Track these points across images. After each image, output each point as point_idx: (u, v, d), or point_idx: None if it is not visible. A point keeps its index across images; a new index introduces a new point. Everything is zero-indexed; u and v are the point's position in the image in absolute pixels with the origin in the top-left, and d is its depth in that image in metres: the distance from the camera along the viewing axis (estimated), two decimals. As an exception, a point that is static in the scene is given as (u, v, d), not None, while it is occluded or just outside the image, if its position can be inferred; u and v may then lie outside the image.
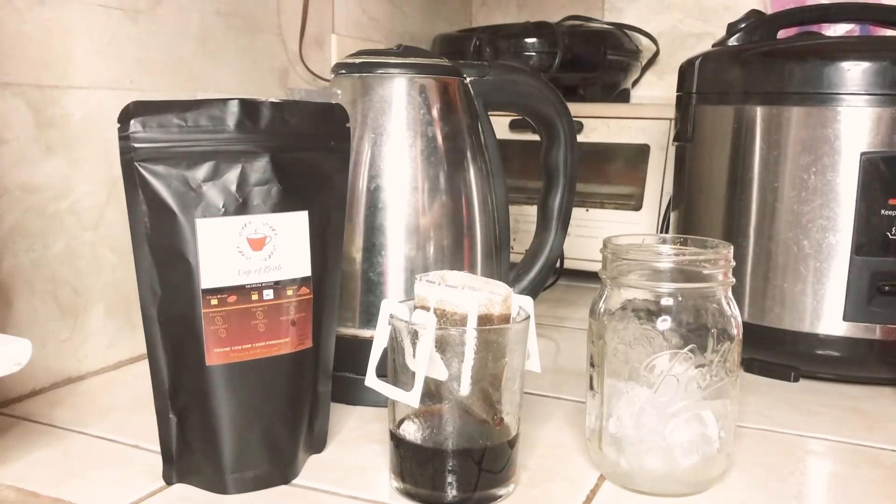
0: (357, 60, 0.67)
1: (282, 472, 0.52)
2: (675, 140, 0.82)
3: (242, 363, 0.50)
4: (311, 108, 0.55)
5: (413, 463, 0.50)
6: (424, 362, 0.47)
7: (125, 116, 0.49)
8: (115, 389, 0.69)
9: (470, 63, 0.70)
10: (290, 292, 0.52)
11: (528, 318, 0.50)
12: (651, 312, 0.50)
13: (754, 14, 0.78)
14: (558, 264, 0.94)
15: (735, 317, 0.51)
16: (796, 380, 0.72)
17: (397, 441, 0.50)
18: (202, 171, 0.49)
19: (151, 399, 0.52)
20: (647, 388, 0.50)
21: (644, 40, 1.27)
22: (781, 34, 0.78)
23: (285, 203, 0.51)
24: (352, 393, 0.64)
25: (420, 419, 0.50)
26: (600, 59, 1.19)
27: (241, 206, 0.50)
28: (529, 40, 1.17)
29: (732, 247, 0.53)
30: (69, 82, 0.68)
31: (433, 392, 0.48)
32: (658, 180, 1.04)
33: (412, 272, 0.64)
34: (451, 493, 0.49)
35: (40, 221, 0.67)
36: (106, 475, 0.53)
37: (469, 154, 0.68)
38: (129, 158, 0.49)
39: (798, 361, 0.72)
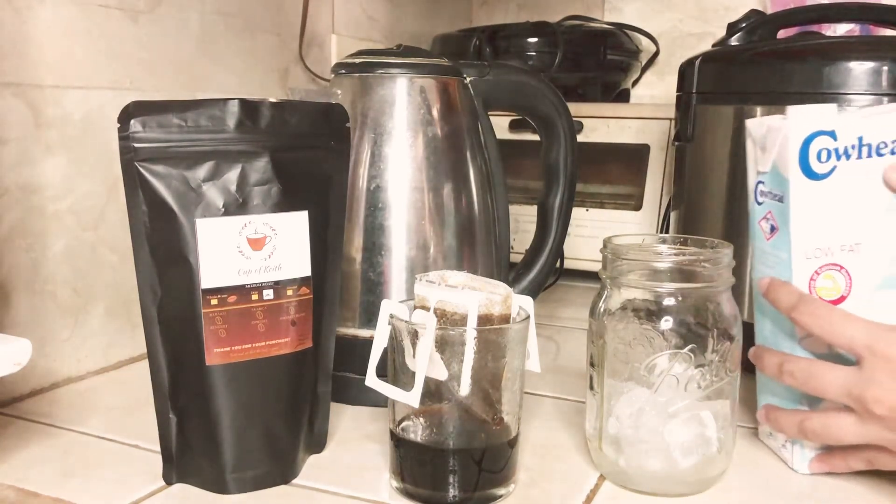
0: (357, 60, 0.67)
1: (282, 471, 0.52)
2: (675, 140, 0.82)
3: (242, 363, 0.50)
4: (311, 108, 0.55)
5: (413, 463, 0.50)
6: (424, 362, 0.47)
7: (125, 116, 0.49)
8: (115, 389, 0.69)
9: (470, 63, 0.70)
10: (290, 292, 0.52)
11: (528, 318, 0.50)
12: (651, 312, 0.50)
13: (754, 14, 0.78)
14: (558, 264, 0.94)
15: (735, 317, 0.51)
16: (796, 380, 0.72)
17: (397, 441, 0.50)
18: (202, 170, 0.50)
19: (151, 399, 0.52)
20: (646, 388, 0.50)
21: (644, 40, 1.27)
22: (781, 34, 0.78)
23: (285, 203, 0.51)
24: (352, 393, 0.64)
25: (420, 419, 0.50)
26: (600, 59, 1.19)
27: (241, 205, 0.50)
28: (529, 40, 1.17)
29: (732, 247, 0.53)
30: (69, 82, 0.68)
31: (433, 392, 0.48)
32: (658, 180, 1.04)
33: (412, 272, 0.64)
34: (451, 492, 0.49)
35: (40, 221, 0.67)
36: (106, 475, 0.53)
37: (469, 154, 0.68)
38: (129, 158, 0.49)
39: (798, 361, 0.72)
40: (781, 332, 0.54)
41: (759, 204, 0.55)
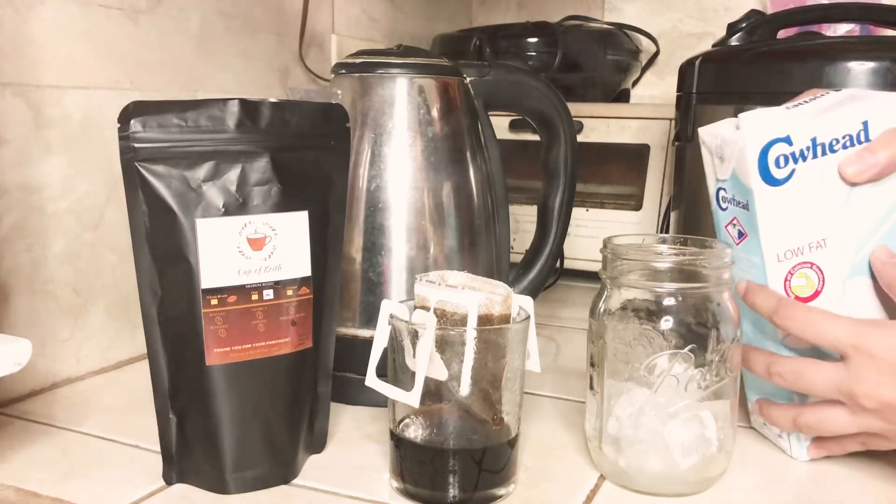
0: (357, 60, 0.67)
1: (282, 472, 0.52)
2: (675, 140, 0.82)
3: (242, 363, 0.50)
4: (311, 108, 0.55)
5: (413, 463, 0.50)
6: (424, 362, 0.47)
7: (125, 116, 0.49)
8: (115, 389, 0.69)
9: (470, 63, 0.70)
10: (290, 292, 0.52)
11: (528, 318, 0.50)
12: (651, 312, 0.50)
13: (754, 14, 0.78)
14: (558, 264, 0.94)
15: (735, 317, 0.51)
16: (796, 380, 0.72)
17: (397, 441, 0.50)
18: (202, 171, 0.50)
19: (151, 399, 0.52)
20: (646, 388, 0.50)
21: (644, 40, 1.27)
22: (781, 34, 0.78)
23: (285, 203, 0.51)
24: (352, 393, 0.64)
25: (420, 419, 0.50)
26: (600, 59, 1.19)
27: (241, 206, 0.50)
28: (529, 40, 1.17)
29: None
30: (69, 82, 0.68)
31: (433, 392, 0.48)
32: (658, 180, 1.04)
33: (412, 272, 0.64)
34: (451, 492, 0.49)
35: (40, 221, 0.67)
36: (106, 475, 0.53)
37: (469, 154, 0.68)
38: (130, 158, 0.49)
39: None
40: (764, 331, 0.54)
41: (723, 210, 0.56)
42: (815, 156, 0.51)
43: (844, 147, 0.52)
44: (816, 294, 0.53)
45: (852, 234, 0.53)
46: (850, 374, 0.49)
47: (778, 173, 0.51)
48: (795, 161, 0.51)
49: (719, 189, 0.56)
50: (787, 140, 0.51)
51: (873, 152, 0.51)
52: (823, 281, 0.53)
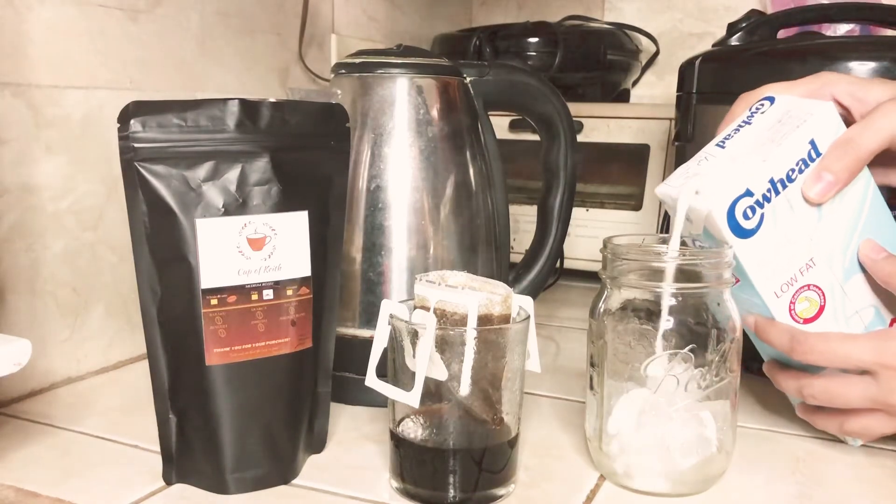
0: (357, 60, 0.67)
1: (282, 472, 0.52)
2: (675, 140, 0.82)
3: (242, 363, 0.50)
4: (311, 108, 0.55)
5: (413, 463, 0.50)
6: (424, 362, 0.47)
7: (125, 116, 0.49)
8: (115, 389, 0.69)
9: (470, 63, 0.70)
10: (289, 292, 0.52)
11: (528, 318, 0.50)
12: (651, 312, 0.50)
13: (754, 14, 0.78)
14: (558, 264, 0.94)
15: (735, 317, 0.51)
16: (796, 380, 0.72)
17: (397, 441, 0.50)
18: (202, 171, 0.49)
19: (151, 399, 0.52)
20: (646, 388, 0.50)
21: (644, 40, 1.27)
22: (781, 34, 0.78)
23: (285, 203, 0.51)
24: (352, 393, 0.64)
25: (420, 419, 0.50)
26: (600, 59, 1.19)
27: (240, 206, 0.50)
28: (529, 40, 1.17)
29: (733, 247, 0.53)
30: (69, 82, 0.68)
31: (433, 392, 0.48)
32: (658, 180, 1.03)
33: (412, 272, 0.64)
34: (451, 493, 0.49)
35: (40, 221, 0.67)
36: (106, 475, 0.53)
37: (469, 154, 0.68)
38: (129, 158, 0.49)
39: (798, 361, 0.72)
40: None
41: None
42: (777, 193, 0.52)
43: (801, 171, 0.52)
44: (822, 309, 0.54)
45: (835, 242, 0.54)
46: (883, 389, 0.51)
47: (749, 224, 0.52)
48: (762, 206, 0.52)
49: (694, 240, 0.56)
50: (748, 193, 0.51)
51: (829, 169, 0.52)
52: (824, 296, 0.54)
